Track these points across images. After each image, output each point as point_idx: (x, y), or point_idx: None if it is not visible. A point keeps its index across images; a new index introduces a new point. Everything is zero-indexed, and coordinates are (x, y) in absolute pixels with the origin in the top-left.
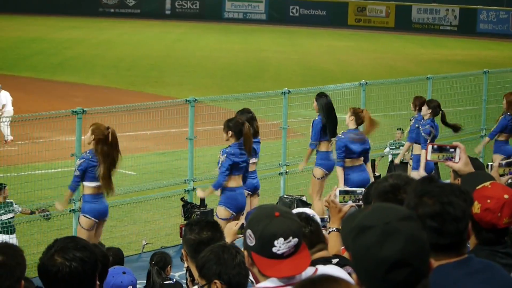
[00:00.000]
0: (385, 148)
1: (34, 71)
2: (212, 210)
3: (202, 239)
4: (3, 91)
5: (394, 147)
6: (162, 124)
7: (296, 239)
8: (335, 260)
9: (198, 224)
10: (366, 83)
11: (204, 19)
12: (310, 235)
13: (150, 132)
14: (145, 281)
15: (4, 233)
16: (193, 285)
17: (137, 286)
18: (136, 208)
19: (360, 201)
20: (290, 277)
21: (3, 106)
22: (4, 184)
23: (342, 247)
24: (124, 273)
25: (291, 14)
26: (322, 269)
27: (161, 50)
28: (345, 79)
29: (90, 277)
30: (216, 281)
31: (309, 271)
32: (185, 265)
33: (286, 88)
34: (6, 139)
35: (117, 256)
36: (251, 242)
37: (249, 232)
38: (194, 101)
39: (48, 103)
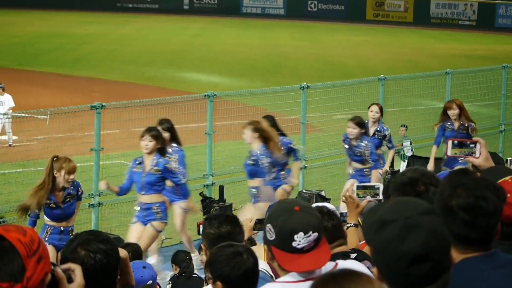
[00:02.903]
0: (404, 141)
1: (53, 66)
2: (231, 204)
3: (221, 233)
4: (6, 94)
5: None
6: (181, 119)
7: (316, 234)
8: (353, 255)
9: (218, 219)
10: (385, 78)
11: (222, 14)
12: (332, 229)
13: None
14: (164, 276)
15: None
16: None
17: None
18: None
19: (378, 196)
20: (310, 271)
21: (10, 108)
22: None
23: (361, 243)
24: (144, 267)
25: (309, 9)
26: (342, 264)
27: (179, 45)
28: (363, 74)
29: (113, 270)
30: (219, 283)
31: (329, 266)
32: (203, 259)
33: (305, 83)
34: (10, 143)
35: (136, 252)
36: (271, 236)
37: (269, 226)
38: (212, 96)
39: (66, 98)
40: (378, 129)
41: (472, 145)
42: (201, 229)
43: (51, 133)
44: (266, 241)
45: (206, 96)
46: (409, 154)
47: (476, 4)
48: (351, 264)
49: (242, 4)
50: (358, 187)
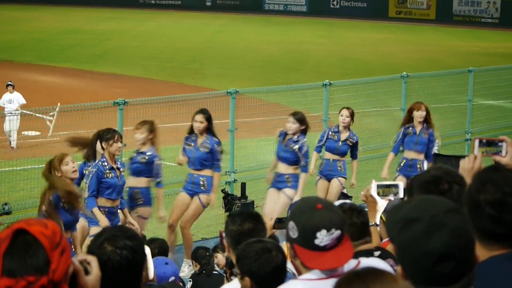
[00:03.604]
0: None
1: (75, 62)
2: (253, 201)
3: (243, 230)
4: (16, 92)
5: None
6: None
7: (338, 231)
8: (377, 253)
9: (240, 215)
10: (407, 75)
11: (245, 11)
12: (361, 226)
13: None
14: (186, 272)
15: None
16: (231, 277)
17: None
18: None
19: (397, 195)
20: (332, 269)
21: (20, 105)
22: None
23: (383, 241)
24: (166, 264)
25: (331, 6)
26: (365, 262)
27: (201, 41)
28: (386, 71)
29: (139, 267)
30: (247, 278)
31: (351, 264)
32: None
33: (327, 80)
34: (12, 145)
35: (162, 248)
36: (294, 234)
37: (291, 224)
38: (235, 93)
39: (88, 94)
40: (350, 135)
41: (500, 144)
42: (223, 236)
43: (74, 129)
44: (289, 239)
45: (228, 93)
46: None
47: (499, 1)
48: (374, 262)
49: (264, 1)
50: (378, 186)
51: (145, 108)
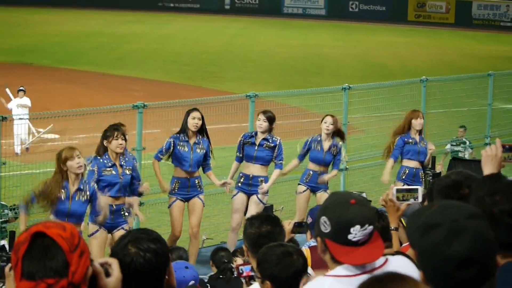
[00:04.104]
0: (447, 145)
1: (94, 65)
2: (271, 205)
3: (262, 233)
4: (25, 97)
5: (455, 144)
6: (222, 119)
7: (371, 227)
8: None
9: (258, 218)
10: (427, 79)
11: (263, 14)
12: (381, 230)
13: (210, 127)
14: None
15: None
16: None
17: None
18: None
19: (417, 199)
20: (360, 266)
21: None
22: None
23: (403, 245)
24: (186, 268)
25: (350, 9)
26: (392, 259)
27: (220, 45)
28: (405, 75)
29: (161, 270)
30: (268, 282)
31: (380, 261)
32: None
33: (347, 84)
34: (17, 152)
35: (180, 258)
36: (326, 229)
37: (323, 219)
38: (254, 96)
39: (108, 97)
40: (334, 143)
41: None
42: (241, 271)
43: (92, 132)
44: (319, 233)
45: (247, 97)
46: (467, 156)
47: None
48: (401, 260)
49: (283, 4)
50: (398, 190)
51: (164, 111)
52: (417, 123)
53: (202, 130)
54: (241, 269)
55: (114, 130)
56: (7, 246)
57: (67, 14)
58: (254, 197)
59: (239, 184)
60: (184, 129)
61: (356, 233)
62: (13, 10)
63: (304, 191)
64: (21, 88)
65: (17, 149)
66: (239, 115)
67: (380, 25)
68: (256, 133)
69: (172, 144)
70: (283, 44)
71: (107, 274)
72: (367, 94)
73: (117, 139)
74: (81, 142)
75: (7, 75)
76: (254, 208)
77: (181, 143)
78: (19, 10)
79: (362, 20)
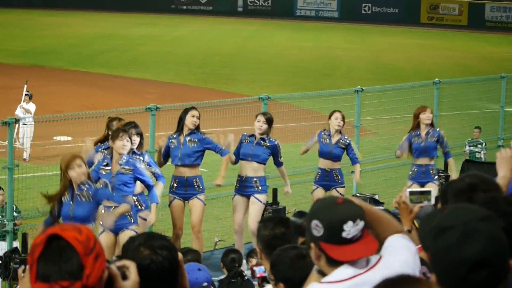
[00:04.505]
0: (465, 146)
1: (107, 67)
2: (284, 207)
3: (276, 235)
4: (31, 103)
5: (472, 145)
6: (235, 122)
7: (362, 222)
8: None
9: (272, 220)
10: (440, 81)
11: (276, 16)
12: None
13: (222, 129)
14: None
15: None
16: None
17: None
18: (208, 205)
19: (430, 201)
20: (354, 268)
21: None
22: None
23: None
24: (199, 270)
25: (363, 11)
26: (387, 257)
27: (233, 47)
28: (418, 77)
29: (175, 271)
30: (281, 284)
31: (373, 259)
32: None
33: (359, 86)
34: (24, 157)
35: (195, 261)
36: (319, 232)
37: (315, 222)
38: (267, 99)
39: (120, 99)
40: (342, 137)
41: None
42: (255, 271)
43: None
44: (312, 239)
45: (260, 99)
46: (482, 156)
47: None
48: (396, 255)
49: (296, 6)
50: (411, 193)
51: (176, 113)
52: (425, 116)
53: (197, 128)
54: (255, 270)
55: (119, 130)
56: (19, 248)
57: (80, 16)
58: (252, 198)
59: (236, 187)
60: (181, 127)
61: (349, 229)
62: (26, 12)
63: (315, 189)
64: (26, 93)
65: (25, 155)
66: (252, 118)
67: (393, 27)
68: (253, 135)
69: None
70: (295, 46)
71: (124, 277)
72: (380, 96)
73: (122, 140)
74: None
75: (20, 78)
76: (254, 209)
77: (173, 140)
78: (32, 12)
79: (375, 22)
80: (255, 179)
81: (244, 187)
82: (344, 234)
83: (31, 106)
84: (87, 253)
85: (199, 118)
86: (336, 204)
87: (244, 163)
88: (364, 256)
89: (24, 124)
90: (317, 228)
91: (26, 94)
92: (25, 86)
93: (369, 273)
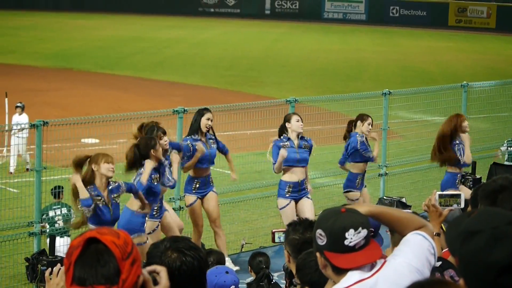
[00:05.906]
0: (503, 144)
1: (134, 70)
2: None
3: (306, 239)
4: (24, 114)
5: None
6: (262, 124)
7: (365, 230)
8: (438, 263)
9: (302, 224)
10: (468, 84)
11: (304, 19)
12: None
13: (250, 132)
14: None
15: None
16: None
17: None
18: (235, 207)
19: (459, 205)
20: (361, 272)
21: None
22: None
23: (443, 250)
24: (227, 272)
25: (391, 14)
26: (391, 261)
27: (260, 50)
28: (445, 80)
29: (204, 270)
30: None
31: (378, 263)
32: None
33: (387, 89)
34: (27, 167)
35: (218, 263)
36: (322, 241)
37: (319, 231)
38: (294, 101)
39: (147, 102)
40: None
41: None
42: (276, 236)
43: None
44: (317, 248)
45: (288, 102)
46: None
47: None
48: (399, 257)
49: (323, 9)
50: (440, 196)
51: None
52: (465, 124)
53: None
54: (275, 234)
55: (102, 154)
56: (47, 250)
57: (108, 19)
58: (304, 198)
59: (288, 194)
60: (196, 129)
61: (351, 237)
62: (54, 15)
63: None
64: (18, 104)
65: (11, 169)
66: (279, 120)
67: (420, 30)
68: (288, 138)
69: (191, 146)
70: (323, 49)
71: (155, 283)
72: (407, 99)
73: (108, 163)
74: (121, 147)
75: (48, 80)
76: (310, 204)
77: (197, 143)
78: (60, 15)
79: (403, 25)
80: (305, 181)
81: (298, 191)
82: (346, 242)
83: (24, 118)
84: (124, 258)
85: (212, 120)
86: (339, 213)
87: (294, 169)
88: (367, 263)
89: (18, 137)
90: (321, 237)
91: (18, 106)
92: (6, 99)
93: (373, 277)
